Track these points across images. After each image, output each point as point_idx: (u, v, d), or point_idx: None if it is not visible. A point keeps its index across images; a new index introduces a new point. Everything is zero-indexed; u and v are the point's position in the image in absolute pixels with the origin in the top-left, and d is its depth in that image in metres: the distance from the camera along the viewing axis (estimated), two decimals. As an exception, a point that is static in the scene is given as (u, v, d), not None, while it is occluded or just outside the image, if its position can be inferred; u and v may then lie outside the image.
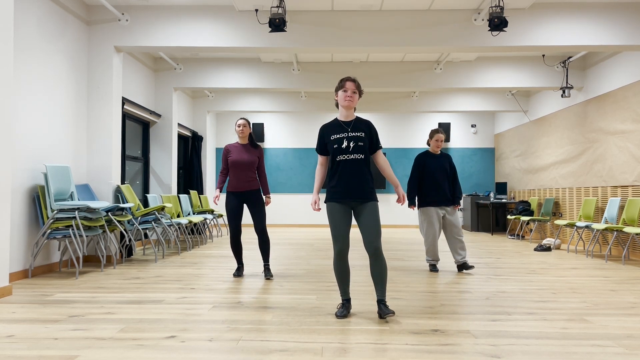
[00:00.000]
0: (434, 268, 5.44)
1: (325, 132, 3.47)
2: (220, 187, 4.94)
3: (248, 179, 4.87)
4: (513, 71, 8.45)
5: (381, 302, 3.32)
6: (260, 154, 4.98)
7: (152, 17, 6.17)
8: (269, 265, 4.98)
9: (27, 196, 4.90)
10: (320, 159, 3.55)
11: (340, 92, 3.42)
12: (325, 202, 3.46)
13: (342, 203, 3.38)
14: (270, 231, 10.98)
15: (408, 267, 5.68)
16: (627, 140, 6.93)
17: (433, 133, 5.46)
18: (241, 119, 4.97)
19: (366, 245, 3.31)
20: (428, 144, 5.54)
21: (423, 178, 5.42)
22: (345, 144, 3.35)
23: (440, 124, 12.06)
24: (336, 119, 3.49)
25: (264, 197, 4.92)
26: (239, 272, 5.03)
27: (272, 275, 4.93)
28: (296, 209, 12.31)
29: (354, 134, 3.38)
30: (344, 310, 3.40)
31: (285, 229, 11.54)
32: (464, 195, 12.09)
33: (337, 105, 3.50)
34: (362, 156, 3.37)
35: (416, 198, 5.48)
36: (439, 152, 5.52)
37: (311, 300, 3.89)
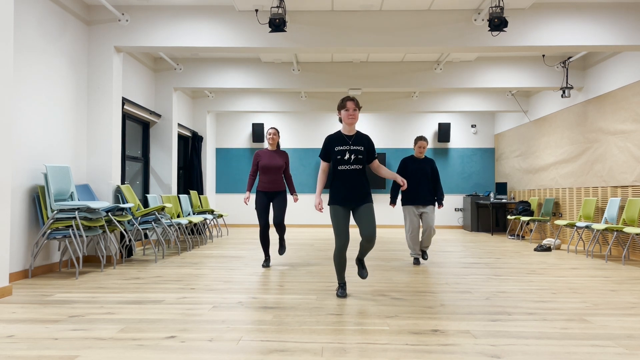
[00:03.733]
0: (416, 262, 5.95)
1: (330, 142, 3.98)
2: (249, 189, 5.59)
3: (276, 181, 5.55)
4: (513, 71, 8.45)
5: (360, 260, 4.12)
6: (287, 159, 5.66)
7: (152, 17, 6.17)
8: (283, 243, 5.72)
9: (27, 196, 4.90)
10: (323, 165, 4.04)
11: (343, 111, 3.94)
12: (328, 204, 4.01)
13: (342, 206, 3.92)
14: (270, 231, 10.98)
15: (407, 267, 5.68)
16: (627, 140, 6.93)
17: (416, 140, 6.02)
18: (271, 128, 5.64)
19: (363, 233, 3.86)
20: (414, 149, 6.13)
21: (405, 179, 5.89)
22: (347, 156, 3.90)
23: (440, 124, 12.06)
24: (339, 132, 4.02)
25: (292, 196, 5.61)
26: (267, 263, 5.63)
27: (284, 251, 5.72)
28: (296, 210, 12.31)
29: (355, 147, 3.92)
30: (343, 291, 4.05)
31: (286, 229, 11.53)
32: (464, 195, 12.10)
33: (340, 120, 4.01)
34: (360, 167, 3.93)
35: (397, 198, 5.92)
36: (423, 156, 6.03)
37: (311, 300, 3.89)
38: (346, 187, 3.89)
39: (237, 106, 10.51)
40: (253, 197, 11.97)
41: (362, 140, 3.97)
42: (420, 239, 5.99)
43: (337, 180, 3.93)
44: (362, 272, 4.09)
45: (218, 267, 5.65)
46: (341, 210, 3.89)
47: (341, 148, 3.91)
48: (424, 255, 5.99)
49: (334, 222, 3.89)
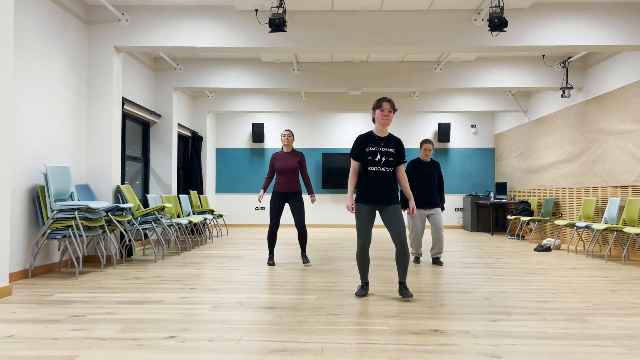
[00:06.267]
0: (417, 260, 6.06)
1: (362, 142, 3.98)
2: (264, 189, 5.77)
3: (291, 182, 5.73)
4: (513, 71, 8.45)
5: (402, 284, 3.98)
6: (302, 159, 5.80)
7: (152, 17, 6.17)
8: (305, 253, 5.87)
9: (27, 196, 4.90)
10: (354, 164, 4.03)
11: (377, 111, 3.94)
12: (355, 202, 3.99)
13: (369, 205, 3.94)
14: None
15: (408, 267, 5.68)
16: (627, 140, 6.93)
17: (422, 143, 6.10)
18: (286, 130, 5.78)
19: (394, 239, 3.90)
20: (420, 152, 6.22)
21: (412, 183, 6.06)
22: (378, 157, 3.91)
23: (440, 124, 12.06)
24: (371, 132, 4.02)
25: (309, 196, 5.79)
26: (272, 262, 5.79)
27: (309, 262, 5.84)
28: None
29: (386, 149, 3.94)
30: (363, 290, 4.04)
31: (286, 229, 11.54)
32: (464, 195, 12.10)
33: (373, 121, 4.01)
34: (390, 169, 3.94)
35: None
36: (429, 159, 6.12)
37: (311, 300, 3.89)
38: (374, 189, 3.90)
39: (237, 106, 10.51)
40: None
41: (394, 142, 3.99)
42: (432, 245, 6.02)
43: (365, 181, 3.94)
44: (406, 292, 3.93)
45: (218, 267, 5.65)
46: (366, 209, 3.91)
47: (372, 149, 3.92)
48: (438, 261, 5.95)
49: (358, 221, 3.92)
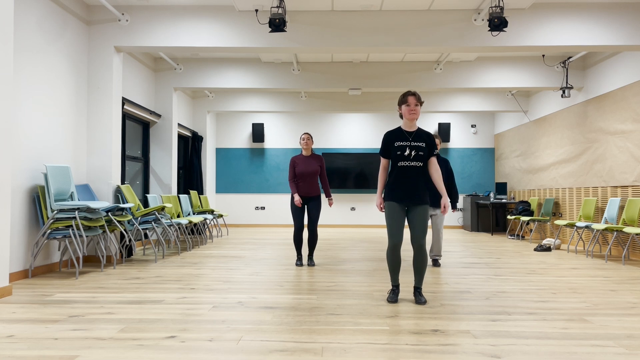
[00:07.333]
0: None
1: (390, 138, 3.88)
2: (295, 192, 5.71)
3: (311, 186, 5.72)
4: (513, 71, 8.45)
5: (417, 289, 3.88)
6: (322, 163, 5.79)
7: (152, 17, 6.17)
8: (312, 255, 5.90)
9: (27, 196, 4.90)
10: (383, 162, 3.97)
11: (403, 107, 3.83)
12: (384, 200, 3.91)
13: (399, 203, 3.82)
14: (270, 231, 10.99)
15: (407, 267, 5.68)
16: (627, 140, 6.93)
17: None
18: (305, 134, 5.75)
19: (413, 241, 3.80)
20: None
21: None
22: (407, 152, 3.79)
23: (440, 124, 12.05)
24: (400, 128, 3.91)
25: (327, 199, 5.75)
26: (300, 262, 5.80)
27: (314, 264, 5.83)
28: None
29: (415, 143, 3.81)
30: (394, 295, 3.89)
31: (286, 229, 11.54)
32: (464, 195, 12.10)
33: (400, 116, 3.91)
34: (420, 164, 3.80)
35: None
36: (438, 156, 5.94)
37: (311, 300, 3.89)
38: (404, 184, 3.78)
39: (237, 106, 10.51)
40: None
41: (423, 136, 3.84)
42: (431, 245, 5.92)
43: (395, 177, 3.82)
44: (420, 298, 3.83)
45: (218, 267, 5.65)
46: (397, 207, 3.79)
47: (401, 144, 3.80)
48: (437, 262, 5.86)
49: (388, 219, 3.81)
